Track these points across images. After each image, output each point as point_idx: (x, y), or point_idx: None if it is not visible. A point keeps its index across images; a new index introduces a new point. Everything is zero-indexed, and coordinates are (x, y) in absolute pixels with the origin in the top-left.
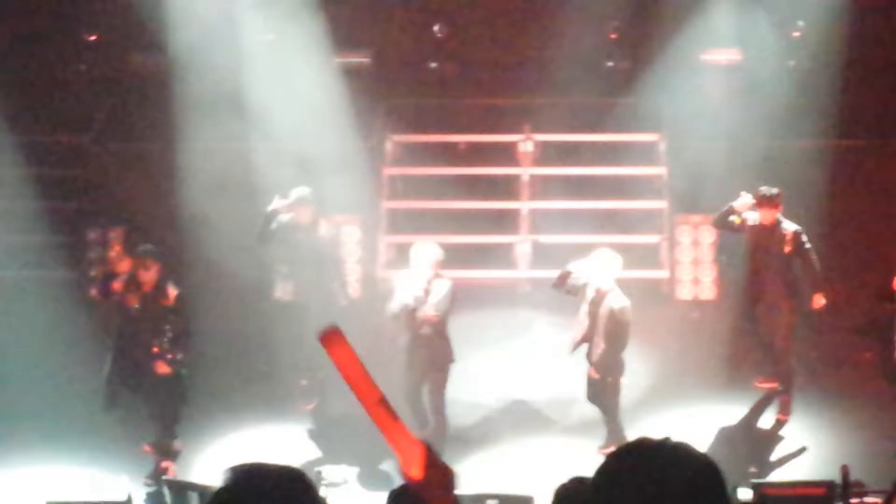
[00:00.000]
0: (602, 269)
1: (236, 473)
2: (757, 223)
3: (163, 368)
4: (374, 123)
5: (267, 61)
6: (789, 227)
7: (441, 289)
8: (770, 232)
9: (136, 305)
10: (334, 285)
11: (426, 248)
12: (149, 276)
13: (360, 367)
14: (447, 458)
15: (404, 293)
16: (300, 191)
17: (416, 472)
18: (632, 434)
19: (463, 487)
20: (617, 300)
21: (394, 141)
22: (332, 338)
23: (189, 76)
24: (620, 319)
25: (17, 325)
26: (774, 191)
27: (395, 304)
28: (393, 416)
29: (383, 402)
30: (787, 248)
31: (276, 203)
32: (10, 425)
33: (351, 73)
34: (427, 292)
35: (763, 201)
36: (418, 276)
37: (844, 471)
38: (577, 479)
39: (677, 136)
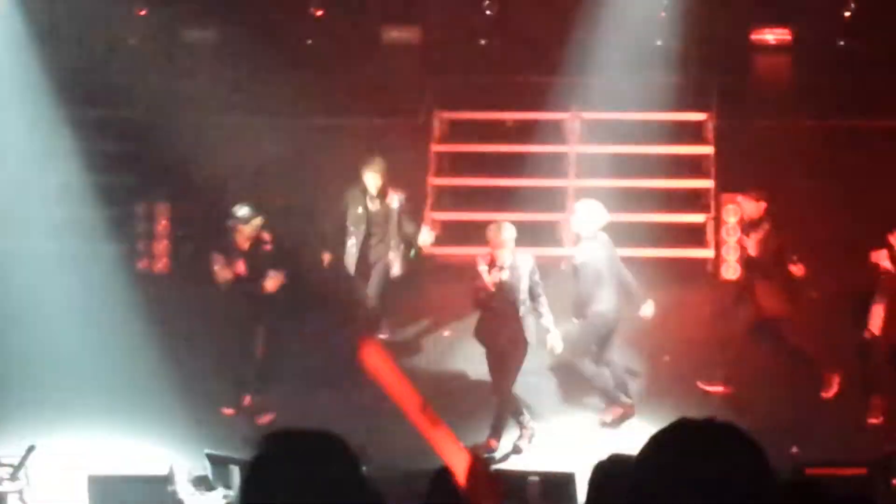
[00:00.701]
0: (584, 220)
1: (272, 440)
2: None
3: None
4: (423, 99)
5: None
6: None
7: (527, 267)
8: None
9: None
10: (391, 255)
11: (510, 228)
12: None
13: (398, 377)
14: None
15: (493, 273)
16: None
17: (462, 480)
18: (674, 414)
19: (505, 464)
20: (577, 251)
21: (441, 117)
22: (369, 351)
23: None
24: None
25: (65, 298)
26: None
27: (484, 283)
28: (436, 421)
29: (426, 408)
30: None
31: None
32: (56, 398)
33: (400, 49)
34: (513, 271)
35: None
36: (504, 256)
37: (886, 454)
38: (617, 457)
39: (725, 115)
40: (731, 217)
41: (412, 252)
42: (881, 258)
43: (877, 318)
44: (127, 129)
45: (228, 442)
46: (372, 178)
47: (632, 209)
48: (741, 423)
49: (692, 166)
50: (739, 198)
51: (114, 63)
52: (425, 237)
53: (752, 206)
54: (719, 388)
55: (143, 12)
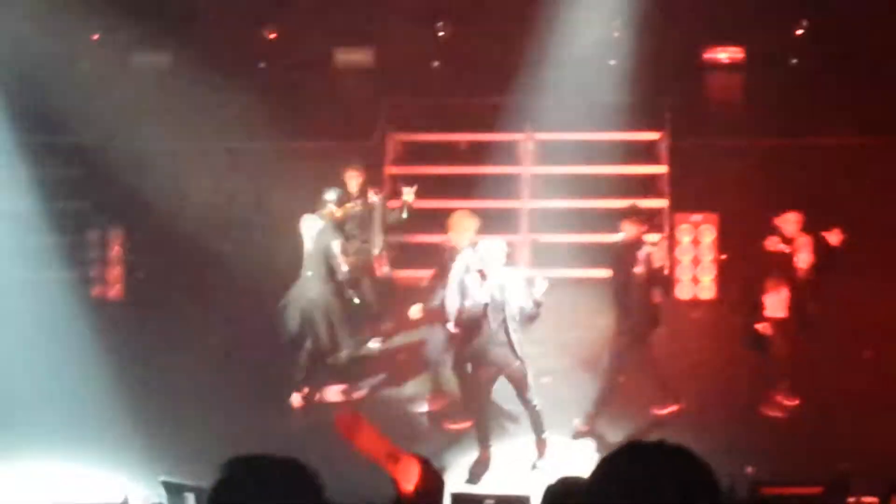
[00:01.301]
0: (489, 260)
1: (233, 466)
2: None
3: None
4: (376, 122)
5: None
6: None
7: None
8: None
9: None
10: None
11: (499, 245)
12: None
13: (372, 436)
14: (444, 459)
15: (478, 292)
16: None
17: (411, 486)
18: (629, 435)
19: (460, 487)
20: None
21: (395, 139)
22: (348, 422)
23: (191, 76)
24: None
25: (20, 325)
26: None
27: (469, 303)
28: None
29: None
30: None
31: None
32: (9, 426)
33: (353, 71)
34: (503, 289)
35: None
36: (492, 274)
37: (842, 470)
38: (567, 479)
39: (679, 135)
40: (685, 237)
41: (404, 213)
42: (773, 244)
43: (777, 303)
44: (79, 154)
45: (184, 468)
46: (353, 179)
47: (586, 229)
48: (696, 444)
49: (646, 186)
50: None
51: (67, 88)
52: (408, 196)
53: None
54: (673, 409)
55: (96, 37)
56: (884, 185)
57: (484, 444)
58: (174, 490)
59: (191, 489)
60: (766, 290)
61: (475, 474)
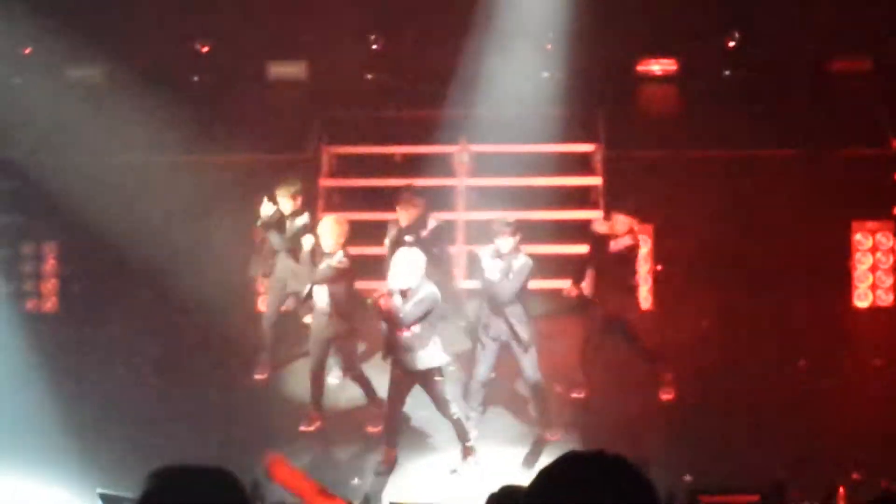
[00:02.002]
0: (405, 272)
1: (159, 477)
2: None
3: None
4: (310, 134)
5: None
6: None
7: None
8: None
9: None
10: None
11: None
12: None
13: (300, 477)
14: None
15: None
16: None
17: None
18: (564, 447)
19: (408, 497)
20: None
21: (330, 152)
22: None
23: (126, 89)
24: None
25: None
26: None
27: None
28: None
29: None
30: None
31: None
32: None
33: (286, 84)
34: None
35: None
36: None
37: (778, 480)
38: (508, 489)
39: (613, 146)
40: None
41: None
42: (598, 225)
43: (589, 282)
44: (12, 168)
45: (121, 481)
46: (286, 201)
47: (522, 240)
48: (635, 453)
49: (581, 197)
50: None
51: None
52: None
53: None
54: (581, 394)
55: (27, 51)
56: (811, 196)
57: (390, 444)
58: (112, 502)
59: (129, 501)
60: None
61: (380, 473)
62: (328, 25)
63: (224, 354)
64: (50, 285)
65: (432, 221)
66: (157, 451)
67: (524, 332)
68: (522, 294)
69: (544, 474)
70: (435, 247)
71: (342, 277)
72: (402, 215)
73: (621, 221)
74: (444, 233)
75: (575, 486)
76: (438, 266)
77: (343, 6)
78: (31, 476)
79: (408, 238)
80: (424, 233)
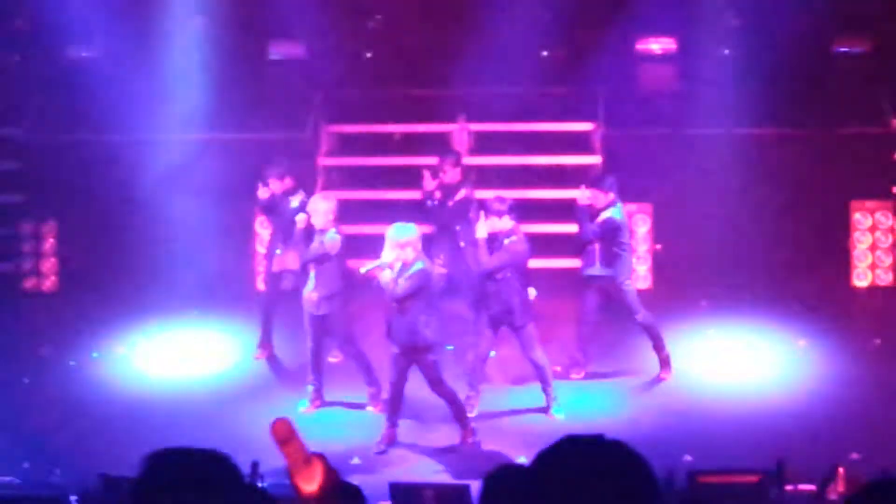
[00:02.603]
0: (400, 244)
1: (156, 459)
2: None
3: None
4: (309, 114)
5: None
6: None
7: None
8: None
9: None
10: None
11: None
12: None
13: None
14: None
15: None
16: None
17: (315, 486)
18: (564, 427)
19: (400, 477)
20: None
21: (328, 131)
22: (283, 430)
23: (123, 68)
24: None
25: None
26: None
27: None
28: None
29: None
30: None
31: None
32: None
33: (285, 64)
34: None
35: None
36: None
37: (778, 460)
38: (506, 468)
39: (612, 125)
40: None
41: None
42: (581, 199)
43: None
44: (11, 147)
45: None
46: (275, 182)
47: (522, 220)
48: (633, 433)
49: (580, 176)
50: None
51: None
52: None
53: (602, 197)
54: (580, 374)
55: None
56: (811, 175)
57: (390, 423)
58: (112, 484)
59: (129, 482)
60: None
61: (380, 452)
62: (327, 4)
63: (223, 333)
64: (49, 264)
65: (462, 192)
66: (157, 433)
67: (520, 311)
68: (519, 272)
69: (543, 457)
70: (457, 220)
71: (333, 255)
72: (429, 180)
73: (600, 196)
74: (471, 208)
75: (574, 469)
76: (454, 241)
77: None
78: (33, 457)
79: (430, 203)
80: (450, 202)
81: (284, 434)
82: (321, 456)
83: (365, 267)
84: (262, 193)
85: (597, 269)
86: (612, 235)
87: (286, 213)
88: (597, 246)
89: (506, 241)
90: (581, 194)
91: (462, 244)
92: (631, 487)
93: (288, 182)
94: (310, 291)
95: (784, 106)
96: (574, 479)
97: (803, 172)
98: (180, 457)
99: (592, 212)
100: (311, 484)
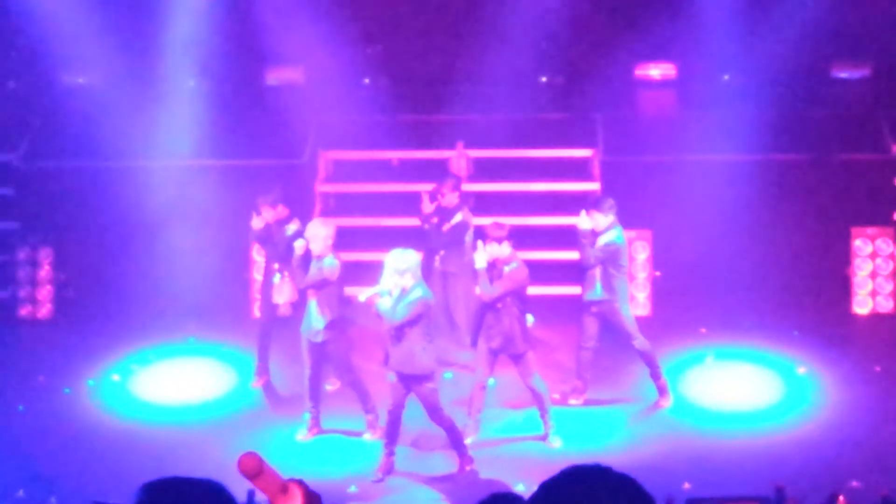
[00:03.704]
0: (399, 271)
1: (151, 489)
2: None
3: None
4: (307, 140)
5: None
6: None
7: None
8: None
9: None
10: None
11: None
12: None
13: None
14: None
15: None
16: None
17: None
18: (563, 454)
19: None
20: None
21: (326, 157)
22: (251, 465)
23: (122, 93)
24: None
25: None
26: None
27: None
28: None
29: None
30: None
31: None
32: None
33: (283, 90)
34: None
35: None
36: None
37: (777, 488)
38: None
39: (611, 152)
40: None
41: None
42: (582, 223)
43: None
44: (7, 174)
45: (117, 492)
46: (268, 211)
47: (520, 247)
48: (632, 460)
49: (578, 203)
50: (593, 212)
51: None
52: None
53: (602, 220)
54: (579, 400)
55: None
56: (811, 201)
57: (387, 451)
58: None
59: None
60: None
61: (377, 480)
62: (325, 30)
63: (219, 360)
64: (45, 292)
65: (459, 216)
66: (152, 462)
67: (519, 338)
68: (519, 299)
69: (547, 487)
70: (455, 244)
71: (332, 281)
72: (427, 203)
73: (600, 219)
74: (466, 232)
75: (577, 500)
76: (452, 265)
77: (340, 12)
78: (28, 486)
79: (426, 227)
80: (446, 226)
81: (252, 468)
82: (300, 482)
83: (364, 294)
84: (256, 223)
85: (597, 294)
86: (613, 259)
87: (281, 241)
88: (597, 270)
89: (506, 269)
90: (581, 219)
91: (438, 268)
92: None
93: (281, 210)
94: (308, 318)
95: (784, 131)
96: None
97: (803, 198)
98: (174, 487)
99: (593, 236)
100: None
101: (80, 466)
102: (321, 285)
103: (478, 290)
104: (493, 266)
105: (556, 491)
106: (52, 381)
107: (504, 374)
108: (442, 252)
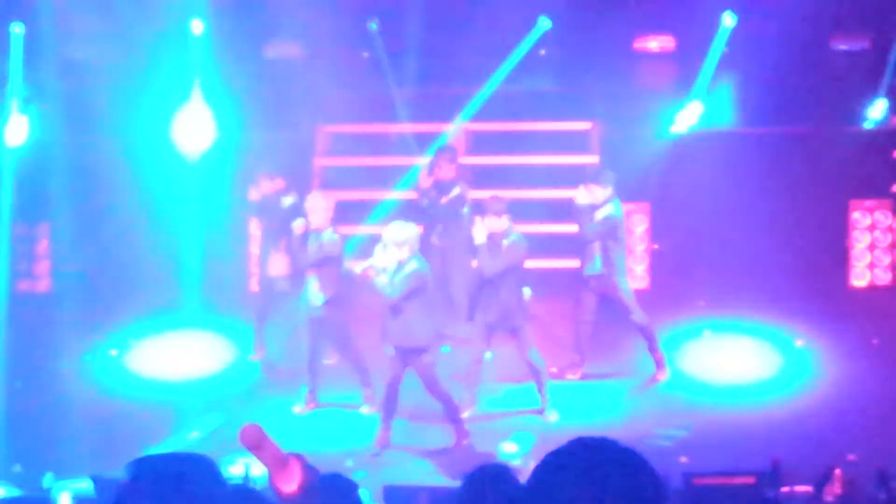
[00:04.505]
0: (397, 243)
1: (138, 466)
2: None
3: None
4: (306, 113)
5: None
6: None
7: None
8: None
9: None
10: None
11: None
12: None
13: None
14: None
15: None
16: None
17: (294, 486)
18: (559, 428)
19: (394, 479)
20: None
21: (325, 131)
22: (253, 436)
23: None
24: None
25: None
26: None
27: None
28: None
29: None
30: None
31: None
32: None
33: (282, 63)
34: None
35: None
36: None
37: (774, 461)
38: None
39: (609, 125)
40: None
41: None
42: (580, 197)
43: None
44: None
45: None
46: (266, 183)
47: (519, 220)
48: (629, 434)
49: (577, 176)
50: (591, 186)
51: None
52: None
53: (601, 193)
54: (576, 375)
55: (17, 30)
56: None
57: (384, 425)
58: (103, 485)
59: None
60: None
61: (374, 454)
62: (323, 4)
63: (217, 334)
64: (43, 266)
65: (457, 189)
66: (150, 434)
67: (516, 311)
68: (517, 273)
69: (550, 457)
70: (452, 217)
71: (333, 256)
72: (424, 177)
73: (599, 192)
74: (464, 205)
75: (582, 472)
76: (449, 239)
77: None
78: (14, 458)
79: (424, 202)
80: (444, 199)
81: (254, 440)
82: (298, 456)
83: (360, 265)
84: (253, 195)
85: (596, 268)
86: (612, 232)
87: (278, 213)
88: (597, 244)
89: (504, 242)
90: (579, 194)
91: (436, 241)
92: (639, 487)
93: (279, 182)
94: (308, 293)
95: (782, 104)
96: (582, 480)
97: (802, 171)
98: (163, 462)
99: (591, 209)
100: (290, 484)
101: (77, 441)
102: (323, 263)
103: (475, 264)
104: (492, 240)
105: (560, 462)
106: (50, 356)
107: (501, 347)
108: (440, 226)
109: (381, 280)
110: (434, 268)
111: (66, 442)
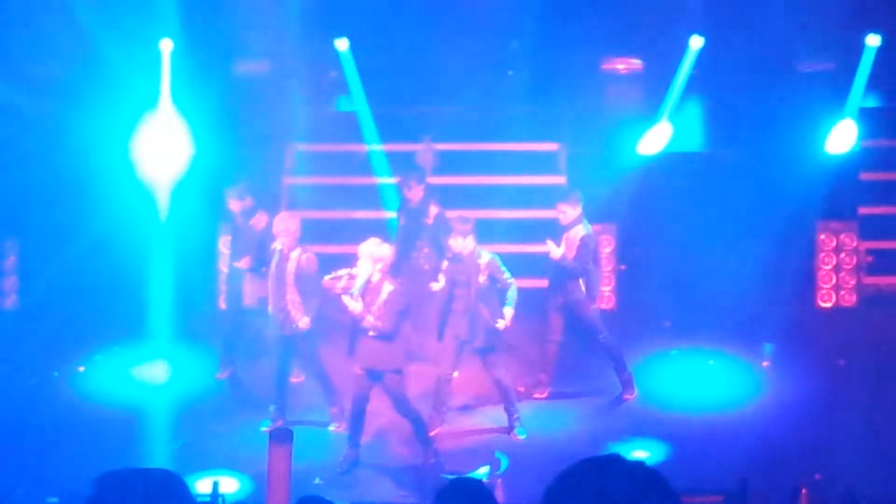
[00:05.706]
0: (374, 258)
1: (104, 481)
2: None
3: None
4: (275, 132)
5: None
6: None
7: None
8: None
9: None
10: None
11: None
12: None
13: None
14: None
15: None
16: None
17: None
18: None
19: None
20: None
21: (294, 149)
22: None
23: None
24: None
25: None
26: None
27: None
28: None
29: None
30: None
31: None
32: None
33: (251, 81)
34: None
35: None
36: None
37: (742, 480)
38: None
39: (577, 146)
40: None
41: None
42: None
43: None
44: None
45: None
46: (235, 202)
47: (484, 240)
48: (596, 454)
49: (545, 197)
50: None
51: None
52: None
53: (572, 212)
54: (543, 394)
55: None
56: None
57: (352, 443)
58: None
59: None
60: None
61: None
62: (293, 23)
63: (184, 352)
64: (10, 282)
65: (434, 209)
66: (116, 452)
67: (483, 331)
68: (486, 292)
69: (562, 477)
70: (435, 238)
71: (309, 276)
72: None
73: (569, 211)
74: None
75: (594, 489)
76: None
77: (306, 4)
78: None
79: (403, 221)
80: (428, 220)
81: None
82: None
83: (329, 276)
84: (225, 213)
85: (581, 293)
86: (584, 253)
87: (247, 232)
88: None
89: (480, 261)
90: (552, 249)
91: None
92: (652, 498)
93: (248, 201)
94: (277, 312)
95: (749, 126)
96: (593, 496)
97: (768, 193)
98: (131, 478)
99: (564, 230)
100: None
101: (43, 457)
102: (296, 282)
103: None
104: (457, 259)
105: (572, 482)
106: (17, 372)
107: (469, 367)
108: (420, 244)
109: (357, 308)
110: (405, 285)
111: (32, 457)
